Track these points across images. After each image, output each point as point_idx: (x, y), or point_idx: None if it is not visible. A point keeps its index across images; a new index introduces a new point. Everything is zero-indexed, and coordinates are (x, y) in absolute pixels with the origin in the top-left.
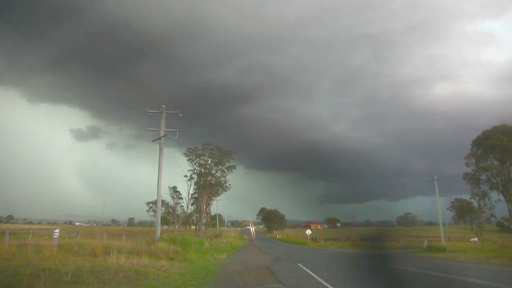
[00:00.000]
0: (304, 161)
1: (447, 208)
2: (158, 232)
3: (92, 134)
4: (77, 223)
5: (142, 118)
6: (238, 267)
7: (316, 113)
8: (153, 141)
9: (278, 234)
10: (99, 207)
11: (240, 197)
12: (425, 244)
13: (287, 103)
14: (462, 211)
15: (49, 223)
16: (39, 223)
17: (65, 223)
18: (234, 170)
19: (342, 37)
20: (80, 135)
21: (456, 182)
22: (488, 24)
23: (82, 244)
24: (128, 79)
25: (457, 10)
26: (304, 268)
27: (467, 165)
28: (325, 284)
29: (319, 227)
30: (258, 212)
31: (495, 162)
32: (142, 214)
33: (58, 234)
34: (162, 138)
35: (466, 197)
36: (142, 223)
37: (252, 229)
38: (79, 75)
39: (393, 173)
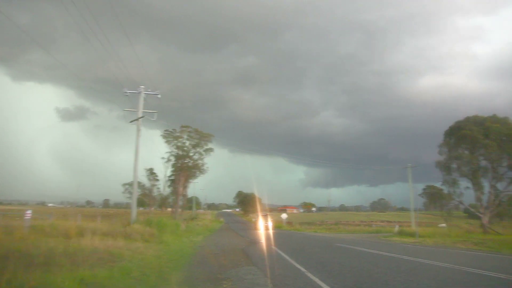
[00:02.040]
0: (288, 146)
1: (419, 195)
2: (134, 214)
3: (79, 114)
4: (50, 204)
5: (134, 99)
6: (213, 249)
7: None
8: (130, 122)
9: (254, 218)
10: (73, 188)
11: (218, 181)
12: (396, 229)
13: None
14: (433, 197)
15: (20, 204)
16: (9, 203)
17: (38, 204)
18: (212, 153)
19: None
20: (67, 115)
21: (434, 170)
22: (478, 19)
23: (55, 226)
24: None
25: (452, 3)
26: (279, 251)
27: (439, 153)
28: (298, 266)
29: (294, 211)
30: (235, 195)
31: (466, 152)
32: (117, 195)
33: (30, 215)
34: (140, 119)
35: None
36: (117, 205)
37: (269, 224)
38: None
39: (375, 159)
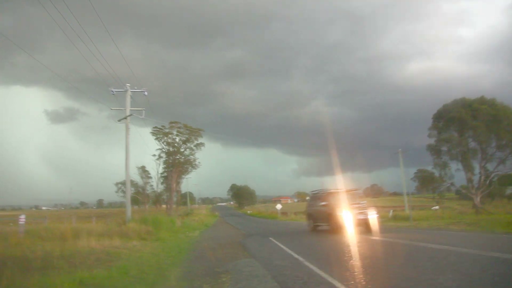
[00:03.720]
0: (280, 137)
1: (411, 179)
2: (129, 213)
3: (69, 115)
4: (44, 208)
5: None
6: (210, 244)
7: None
8: (118, 120)
9: (249, 210)
10: (67, 190)
11: (211, 175)
12: (391, 213)
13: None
14: (424, 181)
15: (14, 209)
16: (3, 209)
17: (31, 208)
18: (204, 148)
19: None
20: (57, 117)
21: (424, 154)
22: (463, 3)
23: (50, 229)
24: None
25: None
26: (276, 242)
27: (429, 136)
28: (296, 256)
29: (289, 201)
30: (228, 188)
31: (455, 134)
32: (111, 195)
33: (24, 220)
34: (128, 117)
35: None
36: (112, 205)
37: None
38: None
39: (366, 146)
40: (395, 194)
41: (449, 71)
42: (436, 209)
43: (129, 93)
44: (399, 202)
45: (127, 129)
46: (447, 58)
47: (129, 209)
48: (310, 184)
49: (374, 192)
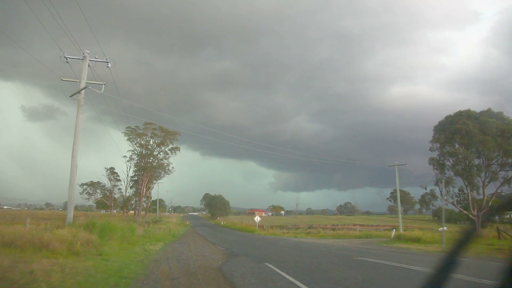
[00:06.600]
0: (260, 150)
1: (387, 198)
2: (70, 214)
3: (47, 113)
4: (5, 207)
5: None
6: (173, 268)
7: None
8: (70, 96)
9: (222, 221)
10: (34, 190)
11: (186, 184)
12: (393, 234)
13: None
14: (403, 201)
15: None
16: None
17: None
18: (180, 153)
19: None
20: (34, 114)
21: (401, 175)
22: (447, 33)
23: None
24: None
25: (423, 17)
26: (282, 273)
27: (431, 150)
28: None
29: (263, 214)
30: (201, 198)
31: (460, 148)
32: (78, 198)
33: None
34: (83, 91)
35: (408, 189)
36: (77, 207)
37: None
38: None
39: (346, 164)
40: (367, 212)
41: (428, 96)
42: (444, 231)
43: (87, 61)
44: (376, 221)
45: (79, 106)
46: (428, 84)
47: (71, 209)
48: (287, 198)
49: (348, 210)
